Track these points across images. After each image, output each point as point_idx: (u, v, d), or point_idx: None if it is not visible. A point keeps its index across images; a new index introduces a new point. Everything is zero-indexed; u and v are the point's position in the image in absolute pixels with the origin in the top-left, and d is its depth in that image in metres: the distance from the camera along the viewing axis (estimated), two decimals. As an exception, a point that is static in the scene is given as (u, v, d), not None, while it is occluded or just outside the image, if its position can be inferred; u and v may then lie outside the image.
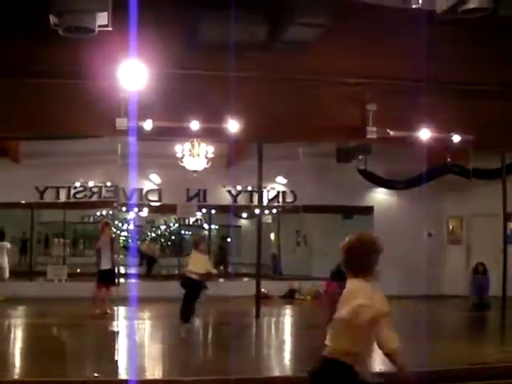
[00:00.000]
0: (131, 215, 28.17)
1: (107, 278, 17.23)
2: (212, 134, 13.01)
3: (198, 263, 14.37)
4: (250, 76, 11.88)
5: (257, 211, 21.01)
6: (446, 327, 16.35)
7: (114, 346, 13.23)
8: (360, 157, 22.16)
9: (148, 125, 11.86)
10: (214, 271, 15.54)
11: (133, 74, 10.83)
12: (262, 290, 18.64)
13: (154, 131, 12.01)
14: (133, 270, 25.25)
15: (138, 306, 16.02)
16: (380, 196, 23.81)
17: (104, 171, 21.76)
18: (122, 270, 23.83)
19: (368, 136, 12.56)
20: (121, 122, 11.52)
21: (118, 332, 15.32)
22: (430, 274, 20.51)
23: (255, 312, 17.11)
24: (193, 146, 19.04)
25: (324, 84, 12.36)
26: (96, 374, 9.96)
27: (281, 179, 23.18)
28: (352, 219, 25.28)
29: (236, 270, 26.29)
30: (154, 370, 11.15)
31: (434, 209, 21.94)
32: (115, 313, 17.58)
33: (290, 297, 22.12)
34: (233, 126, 12.20)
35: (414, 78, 11.81)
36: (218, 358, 12.29)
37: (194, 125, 12.10)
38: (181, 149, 19.20)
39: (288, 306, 20.74)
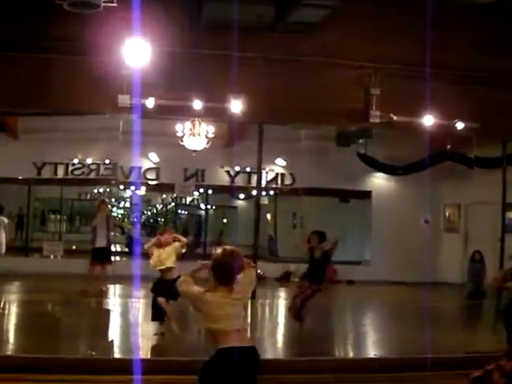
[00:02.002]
0: (128, 193, 28.11)
1: (102, 256, 17.16)
2: (214, 113, 12.90)
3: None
4: (254, 56, 11.82)
5: (254, 192, 20.91)
6: (441, 315, 16.33)
7: (109, 324, 13.23)
8: (360, 141, 22.02)
9: (150, 103, 11.78)
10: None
11: (136, 51, 10.74)
12: (258, 271, 18.56)
13: (156, 109, 11.92)
14: (126, 249, 25.28)
15: (133, 284, 15.90)
16: (378, 181, 23.73)
17: (102, 149, 21.59)
18: (118, 248, 23.81)
19: (371, 120, 12.47)
20: (123, 99, 11.44)
21: (112, 310, 15.31)
22: (426, 261, 20.43)
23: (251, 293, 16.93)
24: (193, 125, 18.93)
25: (328, 67, 12.28)
26: (92, 352, 9.93)
27: (280, 161, 23.10)
28: (349, 203, 25.25)
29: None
30: (150, 349, 11.08)
31: (431, 196, 21.82)
32: (109, 291, 17.58)
33: (285, 279, 22.01)
34: (235, 106, 12.12)
35: (419, 63, 11.70)
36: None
37: (197, 104, 12.02)
38: (181, 128, 19.08)
39: (283, 289, 20.60)
